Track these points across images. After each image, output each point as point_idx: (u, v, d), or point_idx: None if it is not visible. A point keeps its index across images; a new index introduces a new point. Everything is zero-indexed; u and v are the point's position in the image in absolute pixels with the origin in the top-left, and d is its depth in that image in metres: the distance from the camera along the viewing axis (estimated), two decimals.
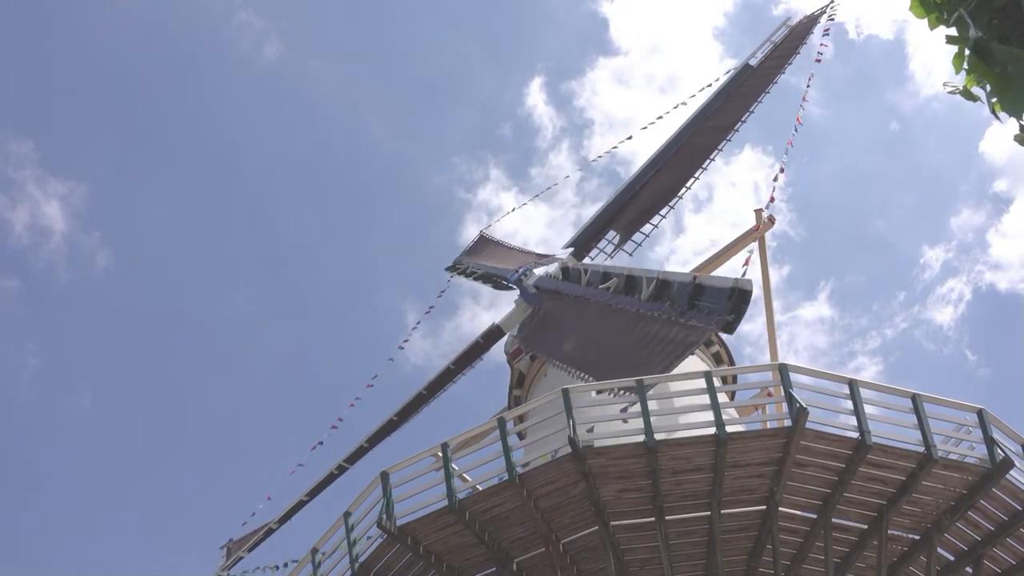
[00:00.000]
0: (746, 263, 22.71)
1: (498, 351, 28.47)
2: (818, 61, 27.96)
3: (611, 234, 29.36)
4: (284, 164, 63.96)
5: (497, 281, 32.04)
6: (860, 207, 62.61)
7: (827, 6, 30.68)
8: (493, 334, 28.53)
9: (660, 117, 31.21)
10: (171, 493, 55.87)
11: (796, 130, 25.47)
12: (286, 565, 24.82)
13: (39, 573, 48.46)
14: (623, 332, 20.98)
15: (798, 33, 30.83)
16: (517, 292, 28.86)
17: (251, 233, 63.11)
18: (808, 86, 26.93)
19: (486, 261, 33.52)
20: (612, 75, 69.05)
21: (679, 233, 65.27)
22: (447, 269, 35.45)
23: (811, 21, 30.90)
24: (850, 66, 63.75)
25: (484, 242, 35.96)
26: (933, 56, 62.61)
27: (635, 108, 67.09)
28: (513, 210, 35.72)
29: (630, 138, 32.60)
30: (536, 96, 70.21)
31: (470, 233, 61.98)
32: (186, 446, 57.52)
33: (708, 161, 28.43)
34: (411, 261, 64.76)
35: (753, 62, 31.05)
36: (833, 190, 63.55)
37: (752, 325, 58.89)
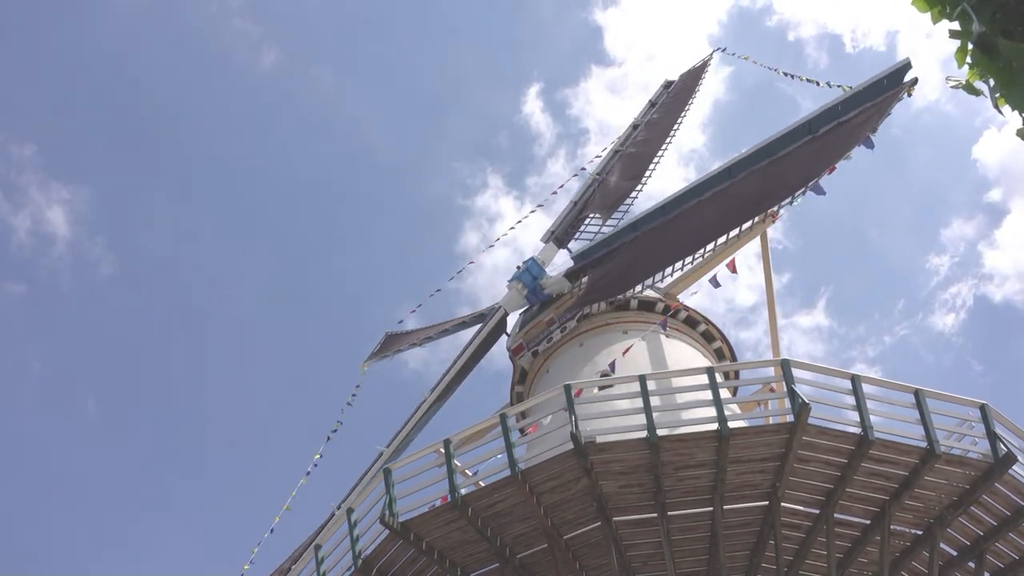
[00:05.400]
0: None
1: (499, 351, 27.89)
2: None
3: (594, 218, 28.23)
4: (284, 171, 63.76)
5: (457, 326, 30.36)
6: (856, 217, 62.40)
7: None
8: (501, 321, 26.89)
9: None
10: (174, 498, 55.95)
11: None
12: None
13: None
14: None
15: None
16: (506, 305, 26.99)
17: (252, 240, 62.89)
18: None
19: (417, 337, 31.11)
20: (606, 84, 68.78)
21: None
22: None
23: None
24: (845, 77, 63.41)
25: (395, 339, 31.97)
26: (924, 69, 62.54)
27: (629, 116, 66.61)
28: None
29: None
30: (533, 104, 70.13)
31: (469, 240, 61.85)
32: (189, 451, 57.63)
33: (682, 116, 29.35)
34: (410, 268, 64.48)
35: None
36: (828, 200, 63.20)
37: (751, 332, 58.92)
